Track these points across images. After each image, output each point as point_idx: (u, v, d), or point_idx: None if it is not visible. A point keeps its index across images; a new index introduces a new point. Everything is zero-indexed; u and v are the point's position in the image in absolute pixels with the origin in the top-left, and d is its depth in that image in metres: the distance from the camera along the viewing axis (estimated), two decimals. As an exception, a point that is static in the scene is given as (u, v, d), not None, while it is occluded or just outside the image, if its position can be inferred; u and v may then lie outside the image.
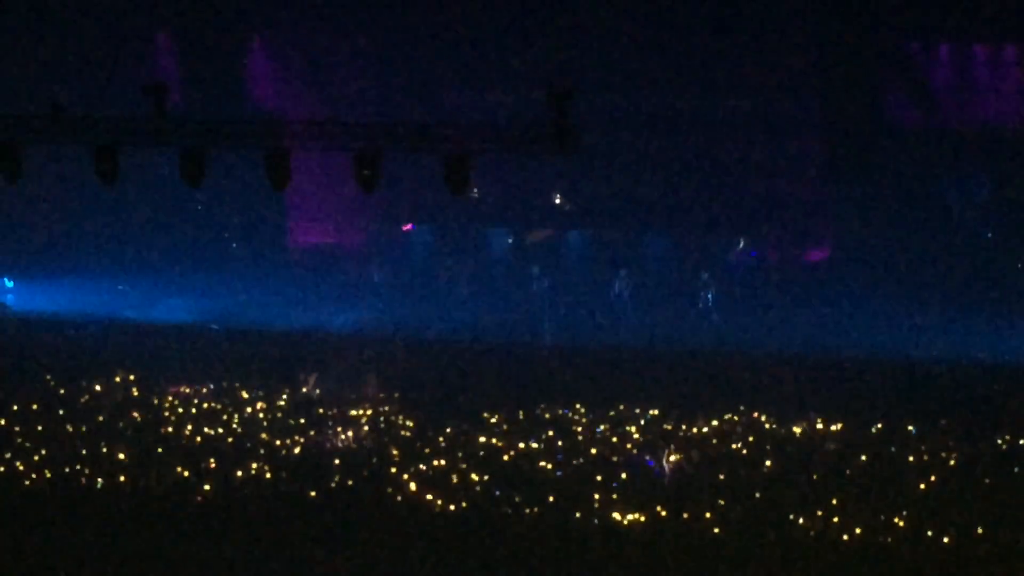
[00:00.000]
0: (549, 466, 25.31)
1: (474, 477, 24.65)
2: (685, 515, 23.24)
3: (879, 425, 26.48)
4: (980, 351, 30.77)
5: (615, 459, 25.46)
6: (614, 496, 23.87)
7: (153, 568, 22.24)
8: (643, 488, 24.14)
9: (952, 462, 25.08)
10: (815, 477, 24.43)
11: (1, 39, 36.09)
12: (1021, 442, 25.81)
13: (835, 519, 22.92)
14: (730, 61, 35.38)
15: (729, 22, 34.84)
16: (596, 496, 23.93)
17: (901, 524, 22.76)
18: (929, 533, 22.50)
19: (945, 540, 22.33)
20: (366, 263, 38.05)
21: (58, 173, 35.25)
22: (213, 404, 28.53)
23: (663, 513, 23.29)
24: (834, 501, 23.30)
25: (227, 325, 32.75)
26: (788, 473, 24.67)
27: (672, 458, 25.37)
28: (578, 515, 23.40)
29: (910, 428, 26.35)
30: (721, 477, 24.51)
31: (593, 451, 25.86)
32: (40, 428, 27.22)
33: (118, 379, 29.50)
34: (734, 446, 26.02)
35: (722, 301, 35.50)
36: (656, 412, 27.27)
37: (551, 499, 23.83)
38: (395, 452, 25.93)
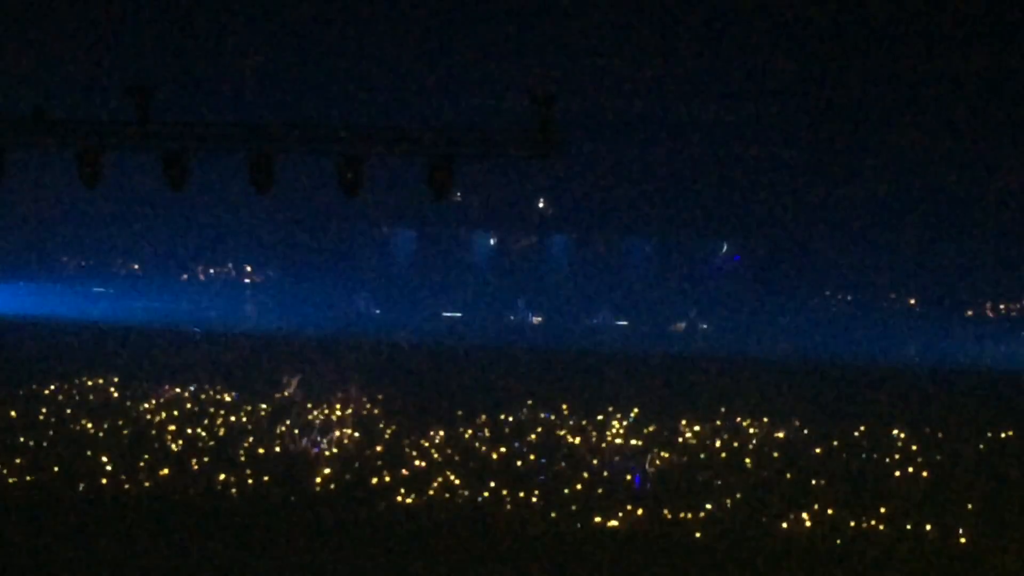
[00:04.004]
0: (532, 469, 25.31)
1: (456, 480, 24.63)
2: (667, 517, 23.26)
3: (861, 428, 26.56)
4: (961, 356, 30.89)
5: (597, 462, 25.48)
6: (598, 497, 23.88)
7: (136, 571, 22.16)
8: (626, 491, 24.16)
9: (933, 467, 25.17)
10: (797, 480, 24.49)
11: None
12: (1000, 446, 25.93)
13: (817, 522, 22.96)
14: (712, 67, 35.46)
15: (711, 29, 34.94)
16: (579, 499, 23.94)
17: (882, 527, 22.81)
18: (910, 536, 22.57)
19: (926, 543, 22.40)
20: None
21: (38, 175, 35.12)
22: (195, 407, 28.49)
23: (645, 516, 23.30)
24: (816, 505, 23.35)
25: (208, 329, 32.67)
26: (770, 476, 24.72)
27: (655, 461, 25.40)
28: (561, 518, 23.40)
29: (892, 432, 26.45)
30: (703, 480, 24.55)
31: (576, 454, 25.87)
32: (22, 431, 27.12)
33: (101, 382, 29.43)
34: (716, 450, 26.07)
35: (705, 306, 35.59)
36: (639, 416, 27.30)
37: (534, 502, 23.83)
38: (378, 454, 25.92)
